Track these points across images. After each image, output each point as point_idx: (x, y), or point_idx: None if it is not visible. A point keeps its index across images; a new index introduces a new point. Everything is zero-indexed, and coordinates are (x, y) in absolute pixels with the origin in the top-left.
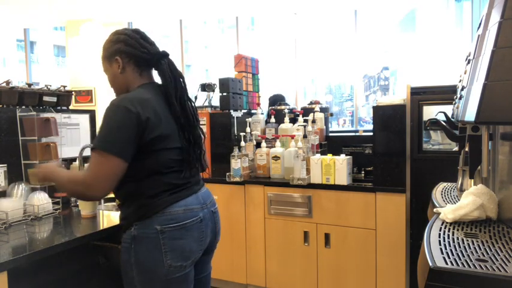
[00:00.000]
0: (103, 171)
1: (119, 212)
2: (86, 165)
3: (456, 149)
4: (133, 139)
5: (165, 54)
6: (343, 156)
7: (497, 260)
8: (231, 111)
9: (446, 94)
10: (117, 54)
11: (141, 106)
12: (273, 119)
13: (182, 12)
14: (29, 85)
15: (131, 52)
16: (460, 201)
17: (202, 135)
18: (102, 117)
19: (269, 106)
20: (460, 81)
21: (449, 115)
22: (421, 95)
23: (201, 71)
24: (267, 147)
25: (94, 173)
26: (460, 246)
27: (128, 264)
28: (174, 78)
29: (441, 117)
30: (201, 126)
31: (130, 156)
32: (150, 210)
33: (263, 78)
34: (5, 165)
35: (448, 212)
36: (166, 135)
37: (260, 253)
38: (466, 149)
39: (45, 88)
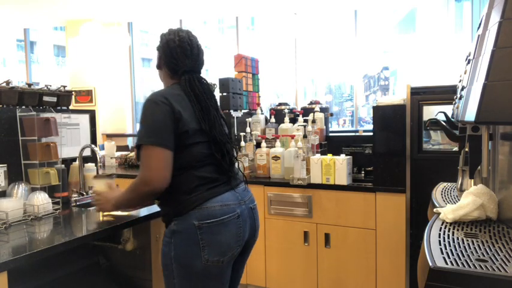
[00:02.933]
0: (155, 162)
1: (119, 213)
2: (86, 165)
3: (456, 149)
4: (171, 129)
5: (187, 71)
6: (343, 156)
7: (497, 260)
8: (231, 111)
9: (446, 94)
10: (160, 51)
11: (173, 100)
12: (273, 119)
13: (182, 12)
14: (29, 85)
15: (164, 58)
16: (460, 201)
17: (231, 140)
18: (141, 113)
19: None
20: (460, 81)
21: (449, 115)
22: (421, 95)
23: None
24: (267, 147)
25: (147, 168)
26: (460, 246)
27: (168, 257)
28: (194, 94)
29: (441, 117)
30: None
31: (173, 145)
32: (187, 207)
33: (263, 78)
34: (5, 165)
35: (448, 212)
36: (195, 130)
37: (260, 253)
38: (466, 149)
39: (45, 88)
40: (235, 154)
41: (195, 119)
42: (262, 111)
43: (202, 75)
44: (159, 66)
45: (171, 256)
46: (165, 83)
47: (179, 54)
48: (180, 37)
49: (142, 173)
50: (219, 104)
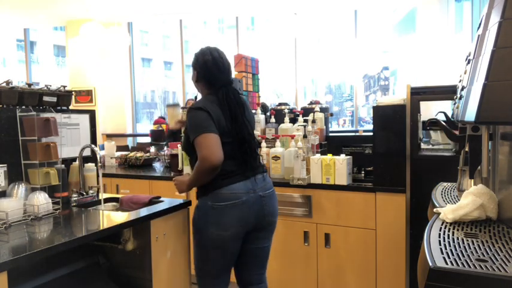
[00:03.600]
0: (206, 144)
1: (119, 212)
2: (86, 165)
3: (456, 149)
4: (212, 122)
5: (224, 85)
6: (343, 156)
7: (497, 260)
8: None
9: (446, 94)
10: (197, 69)
11: (208, 108)
12: (273, 119)
13: (182, 12)
14: (29, 85)
15: (203, 74)
16: (460, 201)
17: (255, 139)
18: (187, 122)
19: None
20: (460, 81)
21: (449, 115)
22: (421, 95)
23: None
24: (267, 147)
25: (202, 150)
26: (460, 246)
27: (193, 222)
28: (228, 105)
29: (441, 117)
30: (255, 135)
31: (216, 129)
32: (207, 190)
33: (263, 78)
34: (5, 165)
35: (448, 212)
36: (223, 132)
37: None
38: (466, 149)
39: (45, 88)
40: (257, 151)
41: (224, 124)
42: (262, 111)
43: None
44: (196, 81)
45: (194, 223)
46: (202, 93)
47: (214, 71)
48: (212, 55)
49: (200, 156)
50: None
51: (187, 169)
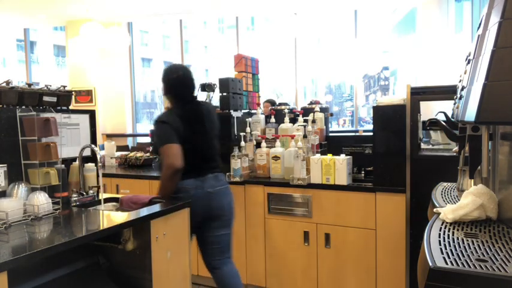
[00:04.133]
0: (168, 153)
1: (119, 212)
2: (86, 165)
3: (456, 149)
4: (174, 133)
5: (188, 101)
6: (343, 156)
7: (497, 260)
8: (231, 111)
9: (446, 94)
10: (165, 84)
11: (171, 120)
12: (273, 119)
13: (182, 12)
14: (29, 85)
15: (169, 89)
16: (460, 201)
17: (212, 146)
18: (154, 132)
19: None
20: (460, 81)
21: (449, 115)
22: (421, 95)
23: (201, 71)
24: (267, 147)
25: (166, 158)
26: (460, 246)
27: None
28: (188, 119)
29: (441, 117)
30: (216, 137)
31: (177, 140)
32: None
33: (263, 78)
34: (5, 165)
35: (448, 212)
36: (182, 141)
37: (260, 253)
38: (466, 149)
39: (45, 88)
40: (214, 155)
41: (183, 134)
42: (262, 111)
43: (202, 75)
44: (164, 94)
45: None
46: (169, 105)
47: (180, 88)
48: (180, 75)
49: (164, 162)
50: (218, 103)
51: None
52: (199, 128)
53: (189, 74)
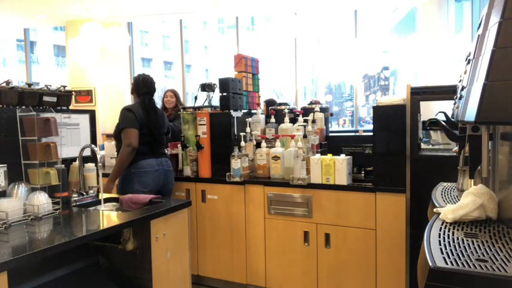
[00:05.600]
0: (128, 135)
1: (119, 212)
2: (86, 165)
3: (456, 149)
4: (135, 119)
5: (145, 95)
6: (343, 156)
7: (497, 260)
8: (231, 111)
9: (446, 94)
10: (132, 84)
11: (134, 108)
12: (273, 119)
13: (182, 12)
14: (29, 85)
15: (135, 87)
16: (460, 201)
17: (161, 133)
18: (119, 116)
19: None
20: (460, 81)
21: (449, 115)
22: (421, 95)
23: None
24: (267, 147)
25: (126, 139)
26: (460, 246)
27: (119, 188)
28: (146, 108)
29: (441, 117)
30: (167, 126)
31: (137, 125)
32: (130, 164)
33: (263, 78)
34: (5, 165)
35: (448, 212)
36: (142, 126)
37: (260, 253)
38: (466, 149)
39: (45, 88)
40: (163, 141)
41: (143, 120)
42: (262, 111)
43: (202, 75)
44: (131, 92)
45: (120, 187)
46: (135, 100)
47: (141, 86)
48: (142, 77)
49: (124, 141)
50: (218, 103)
51: (187, 169)
52: (153, 117)
53: (150, 78)
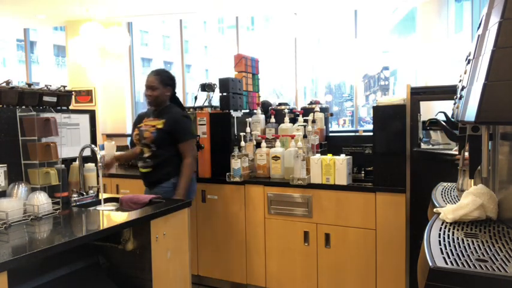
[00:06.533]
0: (193, 147)
1: (119, 212)
2: (86, 165)
3: (456, 149)
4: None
5: (175, 92)
6: (343, 156)
7: (497, 260)
8: (231, 111)
9: (446, 94)
10: (172, 86)
11: (188, 115)
12: (273, 119)
13: (182, 12)
14: (29, 85)
15: (171, 83)
16: (460, 201)
17: None
18: (183, 123)
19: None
20: (460, 81)
21: (449, 115)
22: (421, 95)
23: (201, 71)
24: (267, 147)
25: (193, 151)
26: (460, 246)
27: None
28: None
29: (441, 117)
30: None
31: None
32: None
33: (263, 78)
34: (5, 165)
35: (448, 212)
36: None
37: (260, 253)
38: (466, 149)
39: (45, 88)
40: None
41: None
42: (262, 111)
43: (202, 75)
44: (164, 85)
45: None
46: (166, 102)
47: (175, 84)
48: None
49: (191, 153)
50: (218, 103)
51: None
52: None
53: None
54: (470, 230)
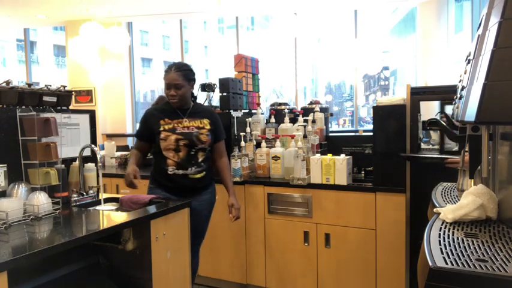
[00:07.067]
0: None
1: (119, 212)
2: (86, 165)
3: (456, 149)
4: None
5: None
6: (343, 156)
7: (497, 260)
8: (231, 111)
9: (446, 94)
10: (191, 72)
11: None
12: (273, 119)
13: (182, 12)
14: (29, 85)
15: (193, 78)
16: (460, 201)
17: None
18: (219, 120)
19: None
20: (460, 81)
21: (449, 115)
22: (421, 95)
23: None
24: (267, 147)
25: (225, 147)
26: (460, 246)
27: (211, 203)
28: None
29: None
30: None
31: None
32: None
33: (263, 78)
34: (5, 165)
35: (448, 212)
36: None
37: (260, 253)
38: (466, 149)
39: (45, 88)
40: None
41: None
42: (262, 111)
43: (202, 75)
44: (189, 81)
45: (213, 203)
46: (189, 100)
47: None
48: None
49: (225, 151)
50: (218, 103)
51: None
52: None
53: None
54: (470, 230)
